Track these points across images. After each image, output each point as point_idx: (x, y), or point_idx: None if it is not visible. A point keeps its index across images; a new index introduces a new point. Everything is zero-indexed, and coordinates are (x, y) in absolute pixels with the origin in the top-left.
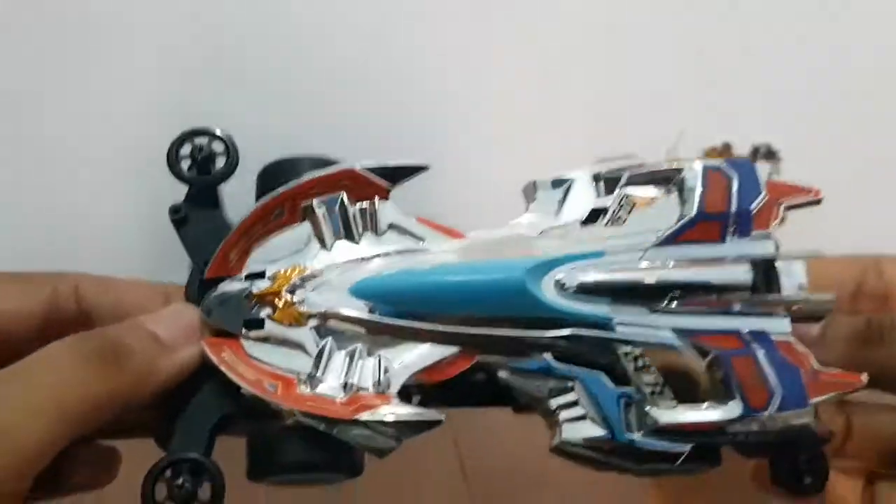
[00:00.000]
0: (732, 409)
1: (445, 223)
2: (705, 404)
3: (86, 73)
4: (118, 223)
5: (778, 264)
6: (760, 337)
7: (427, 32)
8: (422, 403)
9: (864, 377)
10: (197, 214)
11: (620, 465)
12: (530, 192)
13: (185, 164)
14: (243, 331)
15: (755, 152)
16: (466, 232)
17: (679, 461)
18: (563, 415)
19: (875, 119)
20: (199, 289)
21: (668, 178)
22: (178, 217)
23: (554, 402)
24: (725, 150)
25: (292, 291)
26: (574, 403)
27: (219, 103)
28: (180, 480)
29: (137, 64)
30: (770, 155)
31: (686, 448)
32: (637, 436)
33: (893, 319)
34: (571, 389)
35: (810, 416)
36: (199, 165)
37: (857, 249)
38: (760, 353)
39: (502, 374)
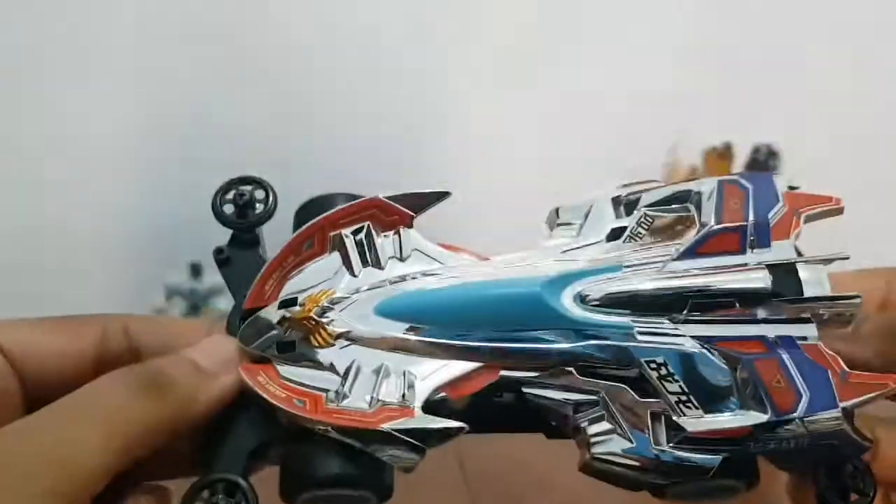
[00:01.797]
0: (760, 414)
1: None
2: (732, 411)
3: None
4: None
5: (801, 271)
6: (786, 341)
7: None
8: None
9: None
10: (238, 254)
11: (652, 482)
12: (553, 219)
13: (227, 209)
14: (276, 354)
15: (756, 152)
16: (491, 256)
17: (712, 473)
18: (591, 430)
19: (877, 117)
20: (239, 322)
21: (685, 197)
22: (222, 258)
23: (580, 418)
24: (726, 151)
25: (321, 314)
26: (601, 418)
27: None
28: (216, 500)
29: (137, 63)
30: (771, 155)
31: (717, 459)
32: (666, 448)
33: None
34: (597, 404)
35: (843, 419)
36: (240, 209)
37: (860, 249)
38: (785, 356)
39: (527, 390)
